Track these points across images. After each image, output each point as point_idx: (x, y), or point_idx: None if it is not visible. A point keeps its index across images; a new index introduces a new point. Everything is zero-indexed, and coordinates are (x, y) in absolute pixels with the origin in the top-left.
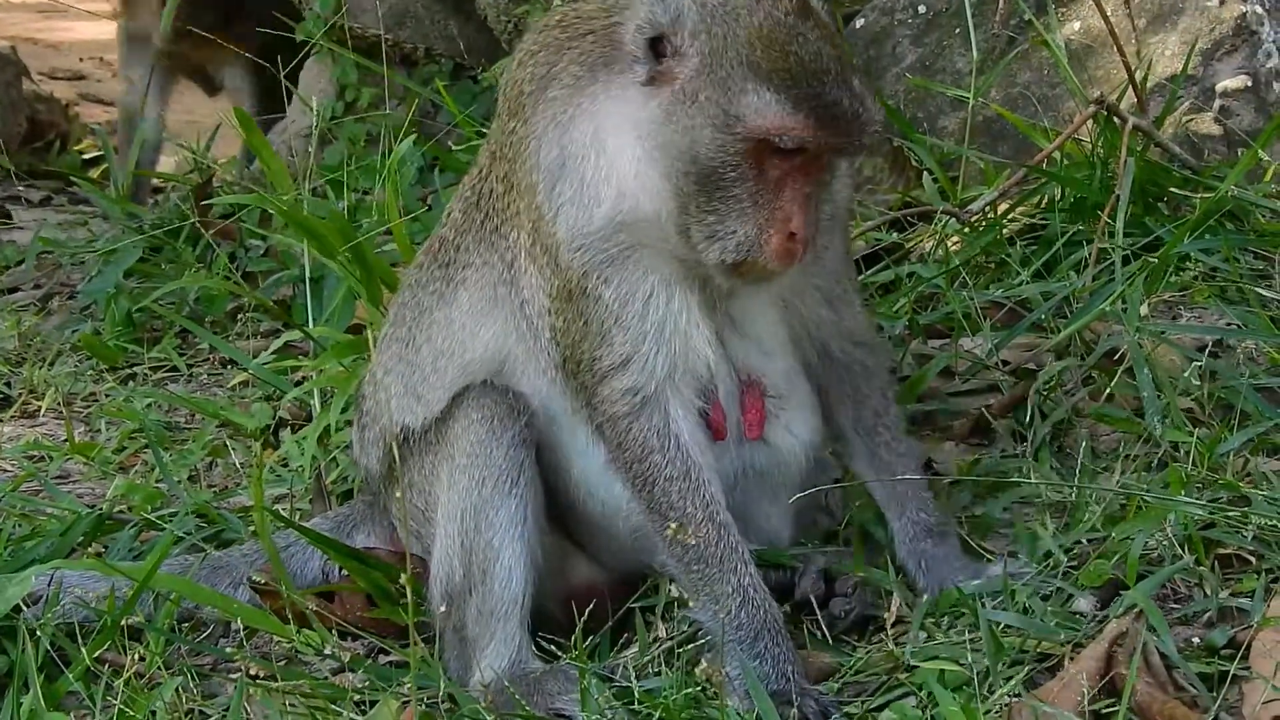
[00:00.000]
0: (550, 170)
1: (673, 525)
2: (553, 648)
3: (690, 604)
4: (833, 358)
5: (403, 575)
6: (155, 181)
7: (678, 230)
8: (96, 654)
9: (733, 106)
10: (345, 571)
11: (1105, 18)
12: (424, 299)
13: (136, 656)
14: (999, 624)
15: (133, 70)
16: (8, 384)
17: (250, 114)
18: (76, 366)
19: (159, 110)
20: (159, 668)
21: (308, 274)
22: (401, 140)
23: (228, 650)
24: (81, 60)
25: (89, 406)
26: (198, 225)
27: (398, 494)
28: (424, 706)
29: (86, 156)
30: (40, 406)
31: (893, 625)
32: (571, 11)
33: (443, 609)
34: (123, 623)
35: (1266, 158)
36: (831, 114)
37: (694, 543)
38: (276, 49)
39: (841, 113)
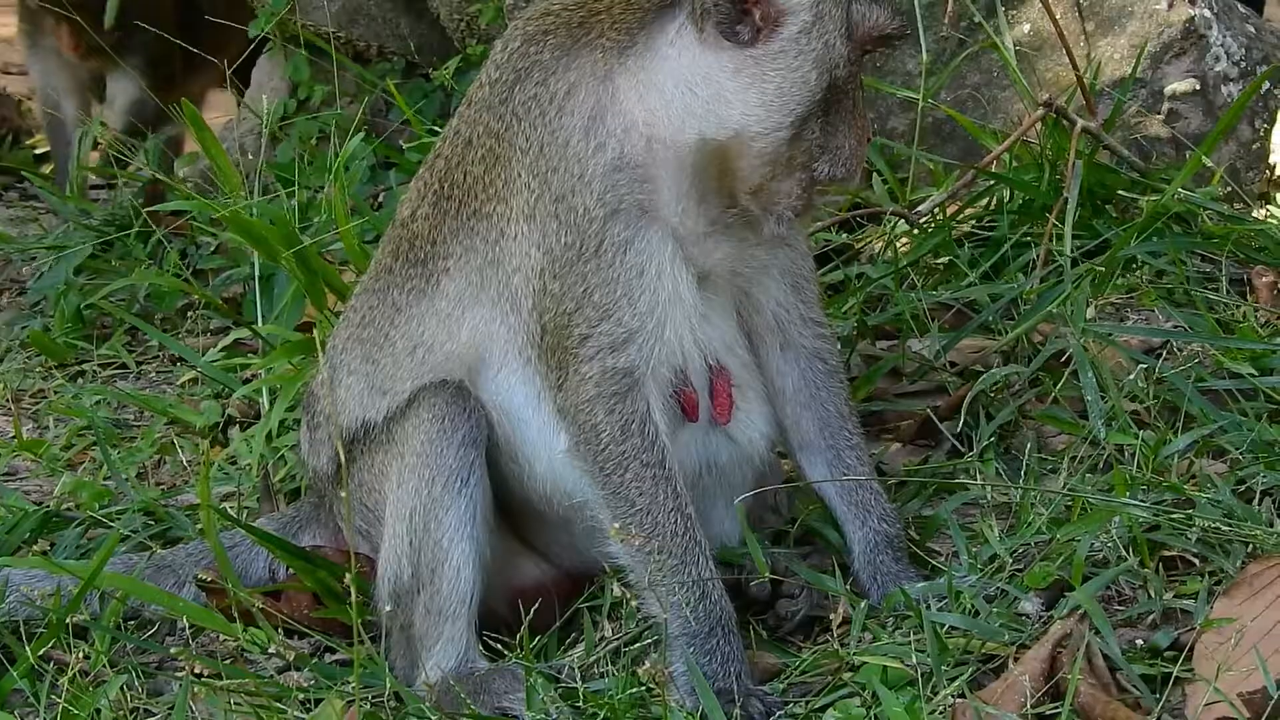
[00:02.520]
0: (589, 116)
1: (638, 513)
2: (499, 646)
3: (642, 596)
4: (795, 347)
5: (348, 574)
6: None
7: (770, 165)
8: (41, 652)
9: (849, 15)
10: (292, 570)
11: (1054, 21)
12: (399, 298)
13: (81, 654)
14: (944, 626)
15: (35, 69)
16: None
17: (127, 126)
18: (25, 363)
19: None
20: (104, 666)
21: (257, 273)
22: (350, 138)
23: (173, 649)
24: None
25: (38, 403)
26: (149, 222)
27: (343, 493)
28: (369, 705)
29: (39, 152)
30: None
31: (839, 626)
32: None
33: (389, 608)
34: (68, 621)
35: (1210, 163)
36: (892, 6)
37: (659, 533)
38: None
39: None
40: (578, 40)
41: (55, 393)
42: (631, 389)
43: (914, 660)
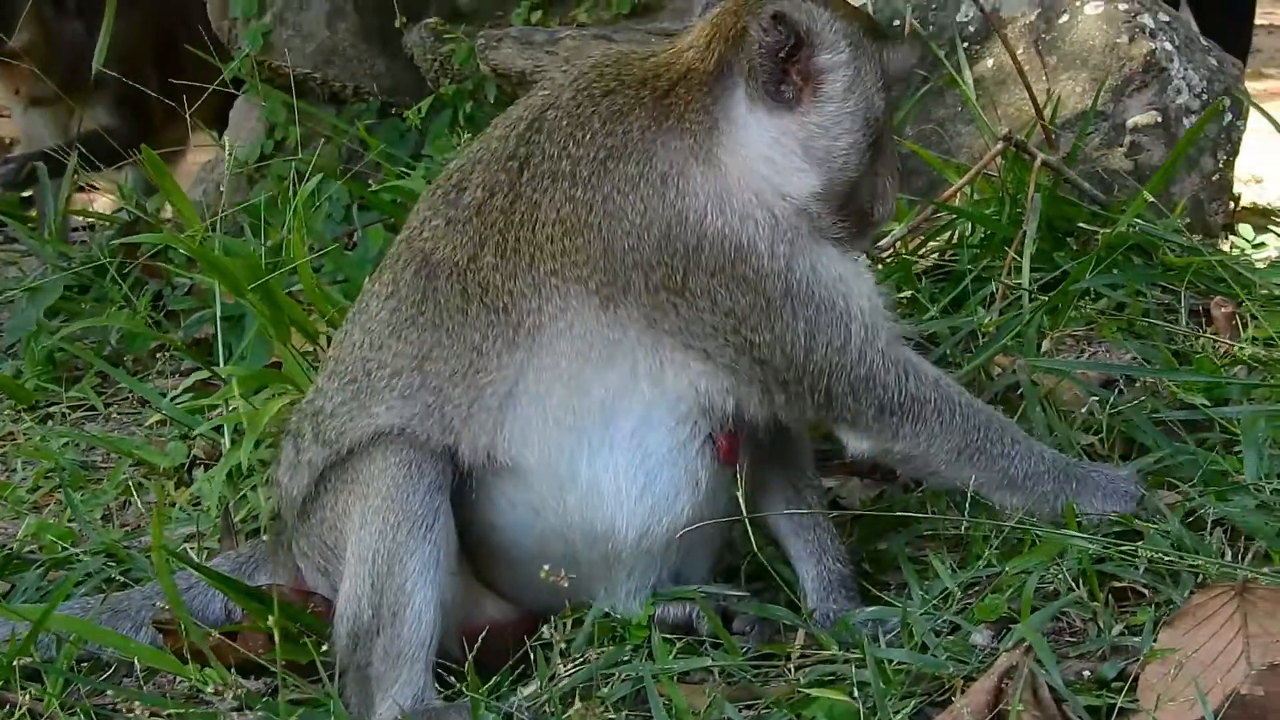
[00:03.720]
0: (715, 196)
1: (963, 430)
2: (453, 679)
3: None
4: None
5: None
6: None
7: (839, 210)
8: None
9: (883, 67)
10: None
11: (1013, 55)
12: (480, 342)
13: (30, 695)
14: (891, 660)
15: (15, 111)
16: None
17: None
18: None
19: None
20: (56, 708)
21: (218, 312)
22: (309, 179)
23: (122, 691)
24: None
25: (4, 446)
26: (124, 263)
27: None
28: None
29: (25, 194)
30: None
31: (794, 659)
32: (625, 73)
33: (348, 646)
34: (19, 663)
35: (1157, 195)
36: (915, 44)
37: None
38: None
39: (915, 42)
40: (661, 124)
41: (24, 435)
42: (891, 343)
43: (858, 694)
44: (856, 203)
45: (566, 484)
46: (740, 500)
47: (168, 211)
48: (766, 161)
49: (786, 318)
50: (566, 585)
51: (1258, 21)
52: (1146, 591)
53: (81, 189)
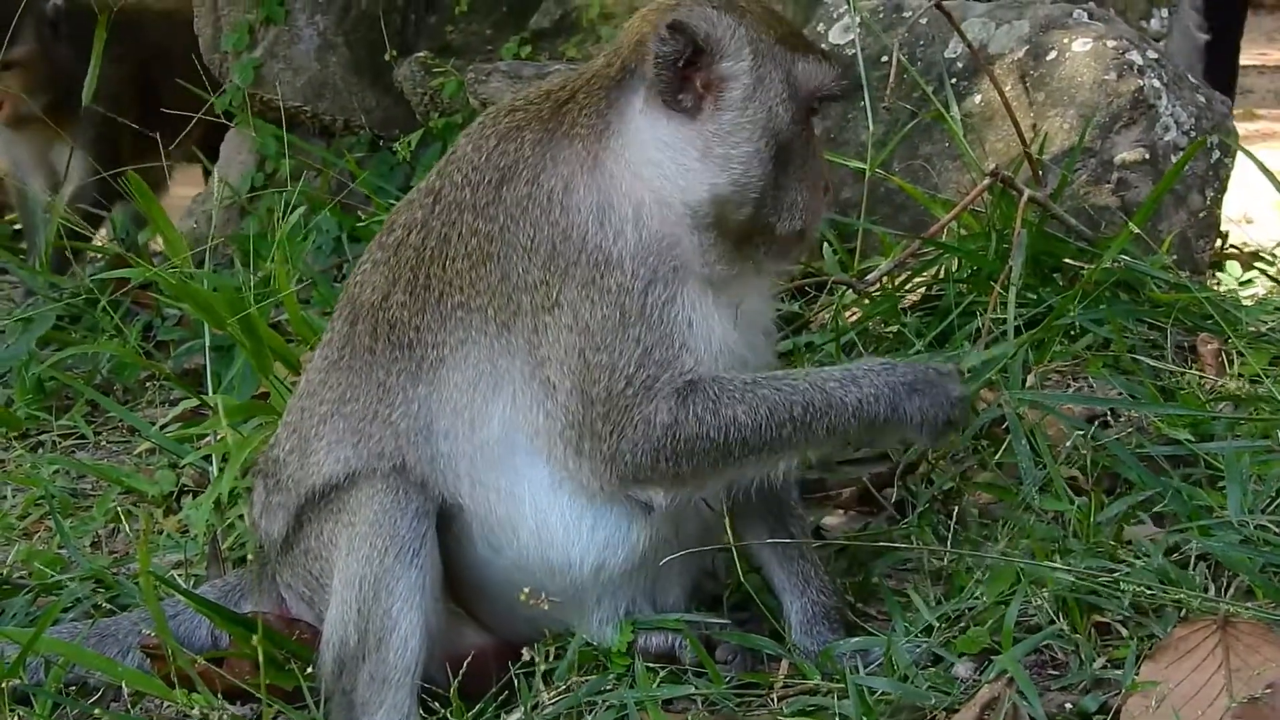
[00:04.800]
0: (596, 207)
1: (768, 431)
2: (438, 705)
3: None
4: None
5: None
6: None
7: (745, 222)
8: None
9: (791, 79)
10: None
11: (1000, 92)
12: (385, 379)
13: (19, 718)
14: (874, 690)
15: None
16: None
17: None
18: None
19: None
20: None
21: (207, 343)
22: (294, 210)
23: (109, 713)
24: None
25: None
26: (115, 294)
27: (296, 554)
28: None
29: (17, 227)
30: None
31: (778, 689)
32: (534, 91)
33: (333, 671)
34: (8, 686)
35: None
36: (838, 62)
37: (790, 419)
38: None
39: (838, 61)
40: (554, 134)
41: (14, 463)
42: (691, 397)
43: None
44: (763, 222)
45: (516, 521)
46: (728, 528)
47: (158, 243)
48: (655, 166)
49: (629, 335)
50: (547, 608)
51: (1251, 62)
52: (1127, 626)
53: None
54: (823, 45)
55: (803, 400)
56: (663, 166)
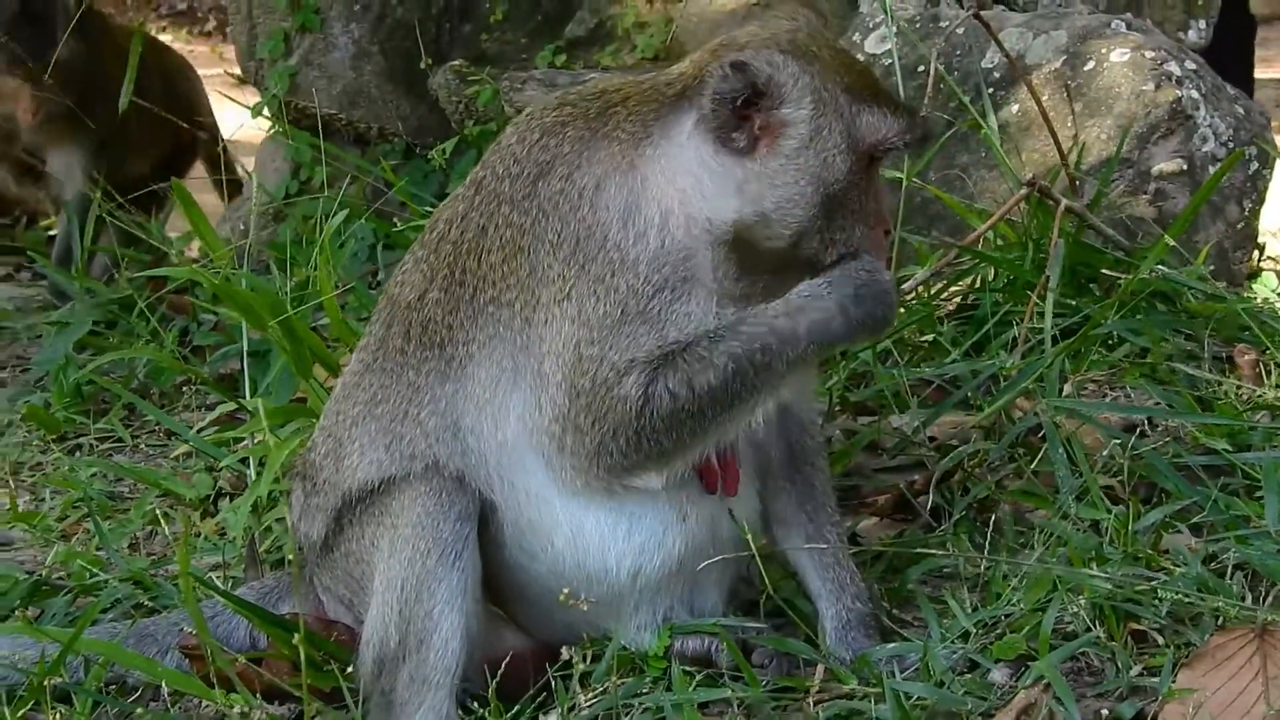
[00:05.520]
0: (623, 208)
1: (718, 393)
2: (476, 705)
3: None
4: (792, 417)
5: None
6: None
7: (780, 251)
8: (20, 714)
9: (852, 130)
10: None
11: (1038, 101)
12: (416, 379)
13: (59, 715)
14: (910, 695)
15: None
16: None
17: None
18: (25, 437)
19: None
20: None
21: (244, 347)
22: (334, 217)
23: (149, 712)
24: None
25: (34, 476)
26: (151, 299)
27: (335, 556)
28: None
29: (53, 233)
30: None
31: (815, 694)
32: (587, 89)
33: (373, 672)
34: (50, 685)
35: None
36: (908, 115)
37: (734, 372)
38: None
39: (909, 113)
40: (596, 133)
41: (53, 466)
42: (661, 371)
43: None
44: (805, 256)
45: (550, 527)
46: (747, 533)
47: (193, 250)
48: (691, 180)
49: (624, 330)
50: (585, 609)
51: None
52: (1165, 633)
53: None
54: (859, 56)
55: (761, 344)
56: (700, 185)
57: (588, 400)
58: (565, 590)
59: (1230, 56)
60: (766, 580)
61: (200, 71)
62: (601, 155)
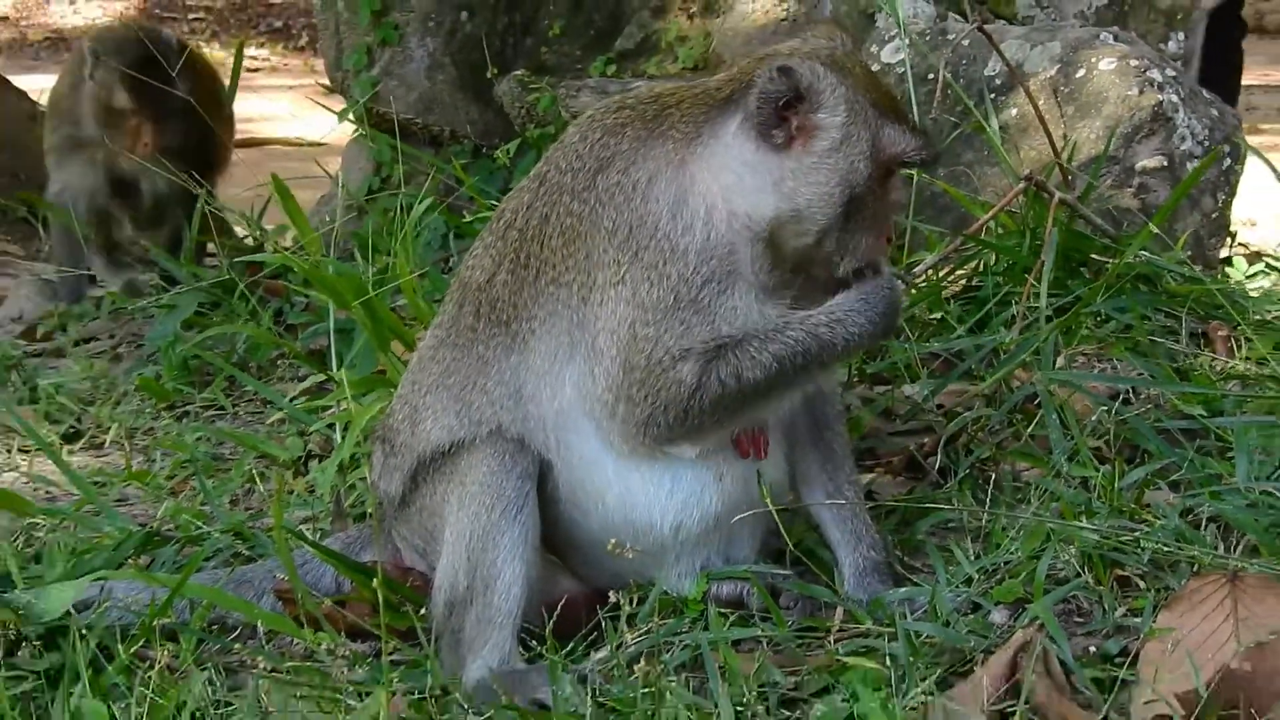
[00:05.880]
0: (673, 201)
1: (769, 375)
2: (535, 643)
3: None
4: (816, 389)
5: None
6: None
7: (803, 250)
8: (133, 650)
9: (876, 141)
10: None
11: (1035, 105)
12: (485, 353)
13: (167, 652)
14: (919, 634)
15: (61, 180)
16: (79, 420)
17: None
18: (139, 405)
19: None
20: (190, 664)
21: (331, 325)
22: (417, 206)
23: (247, 649)
24: None
25: (147, 440)
26: (250, 282)
27: (411, 511)
28: (419, 697)
29: None
30: (105, 439)
31: (835, 632)
32: (644, 93)
33: (444, 614)
34: (158, 625)
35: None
36: (925, 133)
37: (779, 364)
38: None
39: (924, 134)
40: (652, 133)
41: (163, 430)
42: (716, 361)
43: (888, 663)
44: (824, 255)
45: (601, 486)
46: (766, 495)
47: (286, 240)
48: (734, 177)
49: (678, 316)
50: (630, 557)
51: (1255, 82)
52: (1147, 578)
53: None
54: (875, 66)
55: (804, 349)
56: (741, 181)
57: (642, 376)
58: (613, 540)
59: (1218, 60)
60: (786, 534)
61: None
62: (656, 152)
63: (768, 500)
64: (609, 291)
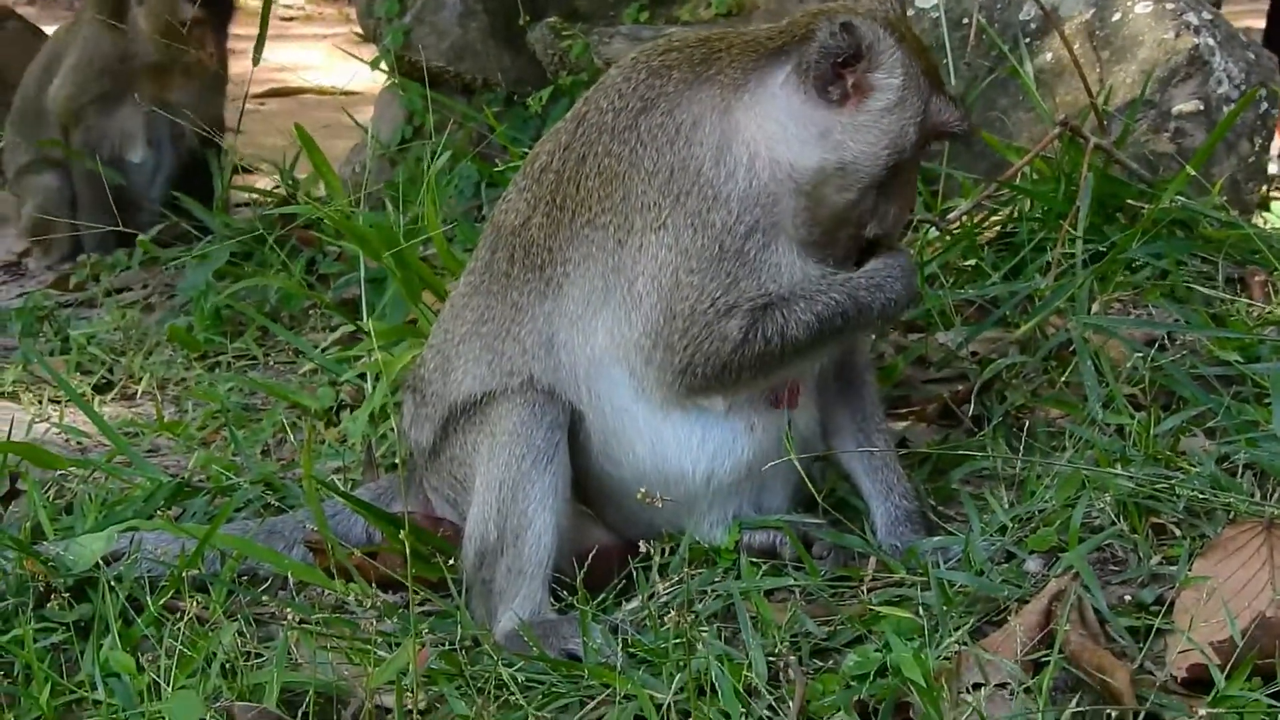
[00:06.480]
0: (716, 147)
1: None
2: (566, 594)
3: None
4: None
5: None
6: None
7: (841, 209)
8: (163, 602)
9: (926, 109)
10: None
11: (1070, 50)
12: (519, 299)
13: (197, 604)
14: (953, 583)
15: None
16: (110, 370)
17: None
18: (170, 355)
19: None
20: (220, 615)
21: (362, 275)
22: (438, 158)
23: (277, 600)
24: None
25: (178, 390)
26: (280, 233)
27: (442, 461)
28: (449, 648)
29: None
30: (137, 390)
31: (867, 582)
32: (691, 36)
33: (474, 564)
34: (190, 576)
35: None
36: (962, 107)
37: (816, 323)
38: None
39: (962, 106)
40: (700, 76)
41: (195, 381)
42: (761, 319)
43: (922, 613)
44: (857, 215)
45: (632, 436)
46: (788, 444)
47: (320, 189)
48: (779, 127)
49: (723, 267)
50: (660, 506)
51: None
52: (1182, 526)
53: (244, 169)
54: (910, 11)
55: (843, 310)
56: (786, 131)
57: (684, 324)
58: (642, 489)
59: None
60: (816, 484)
61: (327, 30)
62: (702, 96)
63: (792, 454)
64: (649, 236)
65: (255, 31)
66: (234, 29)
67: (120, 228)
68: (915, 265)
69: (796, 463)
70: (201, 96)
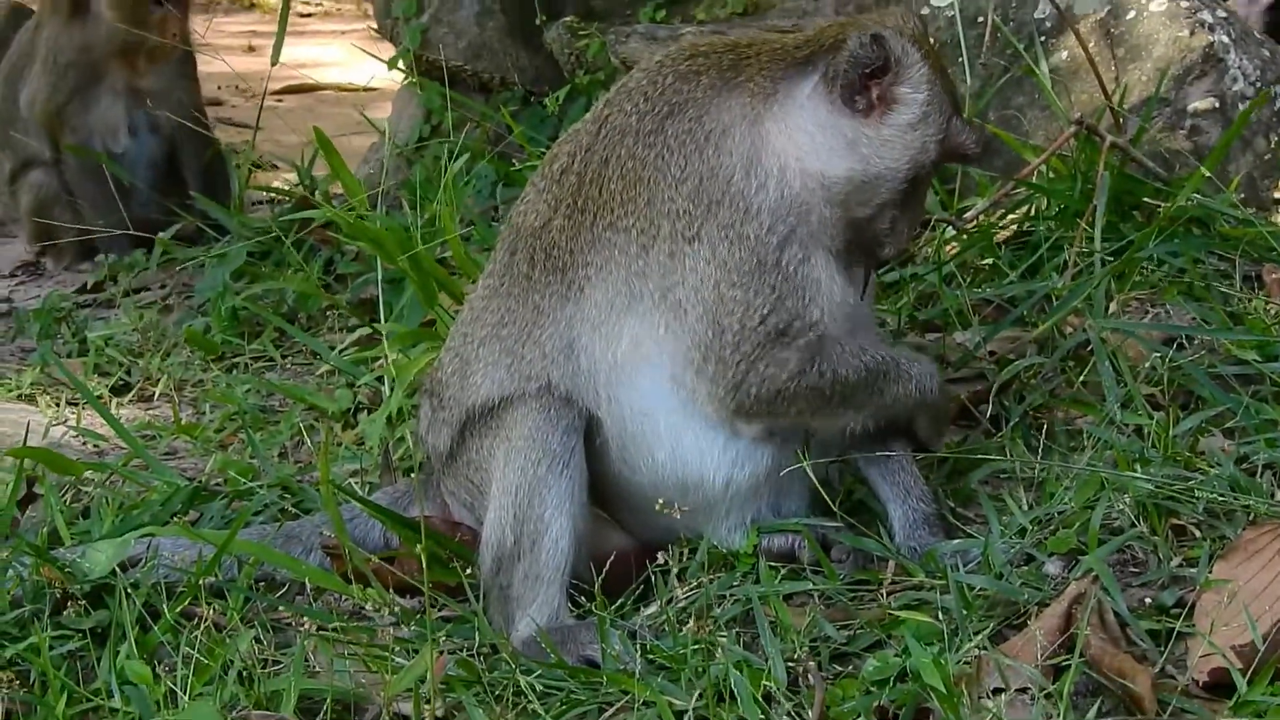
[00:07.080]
0: (746, 157)
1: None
2: (584, 599)
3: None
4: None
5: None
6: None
7: (861, 221)
8: (180, 608)
9: (948, 127)
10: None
11: (1085, 48)
12: (540, 302)
13: (214, 610)
14: (972, 586)
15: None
16: (128, 372)
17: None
18: (188, 357)
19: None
20: (237, 622)
21: (379, 277)
22: (457, 159)
23: (294, 607)
24: (219, 88)
25: (195, 392)
26: (298, 236)
27: (459, 465)
28: (467, 655)
29: None
30: (155, 392)
31: (886, 585)
32: (718, 41)
33: (491, 569)
34: (205, 582)
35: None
36: (978, 131)
37: (864, 387)
38: None
39: (976, 130)
40: (729, 83)
41: (212, 383)
42: (818, 353)
43: (941, 617)
44: (873, 230)
45: (652, 441)
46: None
47: (338, 188)
48: (808, 137)
49: (765, 280)
50: (679, 517)
51: None
52: (1202, 527)
53: (260, 167)
54: (925, 9)
55: (888, 370)
56: (814, 141)
57: (735, 338)
58: (661, 500)
59: None
60: (833, 489)
61: (346, 27)
62: (731, 104)
63: (808, 460)
64: (682, 246)
65: (274, 29)
66: (253, 25)
67: (127, 224)
68: (947, 395)
69: (809, 471)
70: (172, 81)
